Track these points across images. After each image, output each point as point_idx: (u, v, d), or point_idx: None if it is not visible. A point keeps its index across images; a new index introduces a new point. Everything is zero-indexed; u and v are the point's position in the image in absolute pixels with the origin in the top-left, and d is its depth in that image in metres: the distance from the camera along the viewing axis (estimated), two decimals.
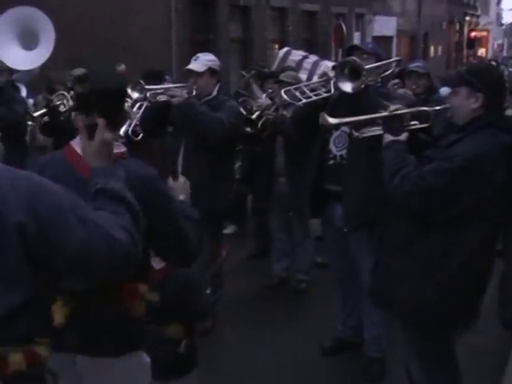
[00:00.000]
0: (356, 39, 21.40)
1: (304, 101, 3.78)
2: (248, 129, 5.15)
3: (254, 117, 5.17)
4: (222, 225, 4.95)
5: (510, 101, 4.73)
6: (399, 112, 3.08)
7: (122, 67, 9.16)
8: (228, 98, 4.69)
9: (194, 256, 2.37)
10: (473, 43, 33.11)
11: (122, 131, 2.69)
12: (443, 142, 2.89)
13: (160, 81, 5.83)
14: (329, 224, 4.20)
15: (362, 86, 3.64)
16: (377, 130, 3.13)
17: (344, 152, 3.96)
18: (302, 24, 18.28)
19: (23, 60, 6.31)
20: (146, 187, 2.10)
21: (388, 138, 3.06)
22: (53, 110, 5.59)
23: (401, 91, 5.12)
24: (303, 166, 4.95)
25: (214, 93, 4.60)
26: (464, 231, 2.81)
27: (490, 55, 38.06)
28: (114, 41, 10.94)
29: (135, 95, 4.38)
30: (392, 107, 3.13)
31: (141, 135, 4.09)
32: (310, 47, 16.51)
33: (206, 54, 4.68)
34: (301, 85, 3.91)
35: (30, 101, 6.32)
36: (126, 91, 2.27)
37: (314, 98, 3.81)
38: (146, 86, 4.45)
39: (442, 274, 2.85)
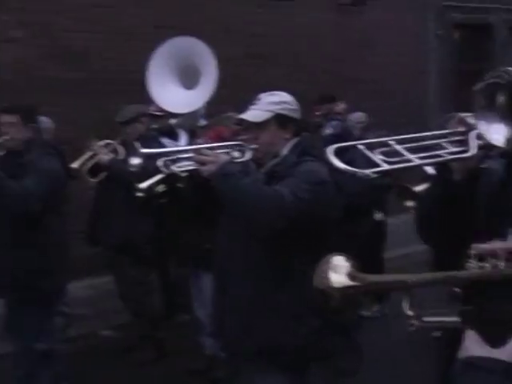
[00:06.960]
0: None
1: (386, 167, 1.78)
2: None
3: None
4: None
5: None
6: None
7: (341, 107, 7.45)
8: (305, 159, 2.77)
9: None
10: None
11: None
12: None
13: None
14: None
15: None
16: None
17: None
18: None
19: (182, 101, 5.14)
20: None
21: None
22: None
23: None
24: None
25: (285, 152, 2.82)
26: None
27: None
28: (349, 76, 9.37)
29: (135, 161, 2.89)
30: None
31: None
32: None
33: (274, 93, 2.92)
34: (387, 139, 1.86)
35: None
36: None
37: (418, 162, 1.80)
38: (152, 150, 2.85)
39: None
